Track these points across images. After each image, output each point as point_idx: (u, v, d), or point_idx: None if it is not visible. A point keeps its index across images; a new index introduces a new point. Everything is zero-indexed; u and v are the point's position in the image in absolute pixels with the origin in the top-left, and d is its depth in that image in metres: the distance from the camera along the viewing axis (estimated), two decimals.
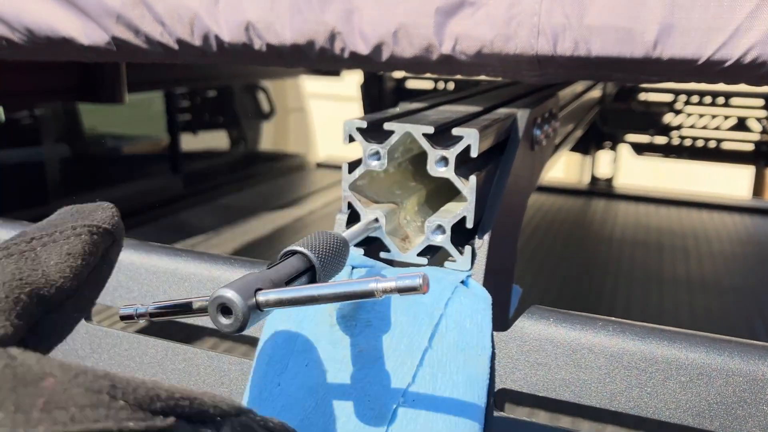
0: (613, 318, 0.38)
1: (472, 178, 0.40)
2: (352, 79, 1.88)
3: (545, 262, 1.29)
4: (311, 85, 2.13)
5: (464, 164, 0.42)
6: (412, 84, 1.84)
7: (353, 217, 0.44)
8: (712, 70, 0.42)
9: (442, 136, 0.41)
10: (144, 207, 1.45)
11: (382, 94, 1.80)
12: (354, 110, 2.03)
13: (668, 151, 1.66)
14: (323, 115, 2.15)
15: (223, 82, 1.72)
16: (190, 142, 1.64)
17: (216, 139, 1.80)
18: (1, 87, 1.03)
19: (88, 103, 1.24)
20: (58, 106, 1.27)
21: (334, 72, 1.82)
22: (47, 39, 0.58)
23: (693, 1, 0.41)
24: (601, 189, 1.75)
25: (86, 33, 0.57)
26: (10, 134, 1.19)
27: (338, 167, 0.44)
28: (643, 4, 0.42)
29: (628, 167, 2.03)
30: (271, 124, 1.94)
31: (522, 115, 0.49)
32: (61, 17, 0.57)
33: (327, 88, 2.54)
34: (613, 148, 1.76)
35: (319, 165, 2.02)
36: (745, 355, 0.34)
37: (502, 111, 0.50)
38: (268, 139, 1.96)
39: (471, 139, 0.39)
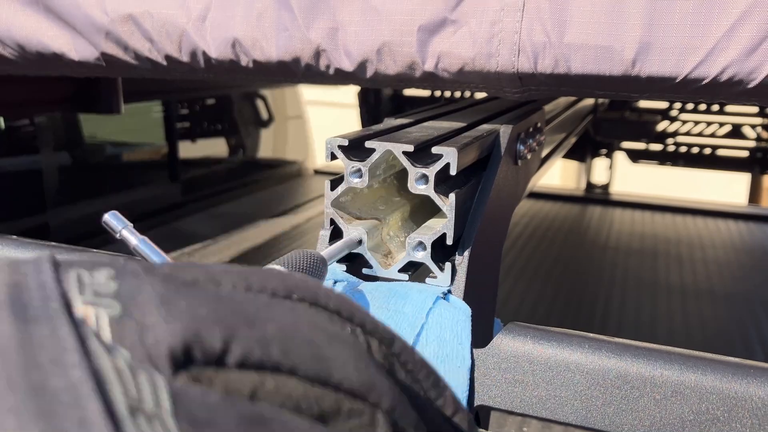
0: (590, 335, 0.38)
1: (452, 196, 0.40)
2: (350, 87, 1.89)
3: (539, 269, 1.29)
4: (309, 92, 2.14)
5: (445, 181, 0.42)
6: (410, 92, 1.85)
7: (337, 233, 0.44)
8: (689, 87, 0.43)
9: (422, 153, 0.42)
10: (142, 215, 1.46)
11: (379, 102, 1.81)
12: (352, 117, 2.03)
13: (664, 158, 1.66)
14: (321, 123, 2.15)
15: (222, 90, 1.73)
16: (188, 149, 1.65)
17: (214, 147, 1.80)
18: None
19: (85, 113, 1.25)
20: (57, 115, 1.27)
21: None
22: (38, 54, 0.59)
23: (670, 21, 0.42)
24: (596, 196, 1.76)
25: (76, 49, 0.57)
26: (9, 143, 1.20)
27: (336, 174, 0.45)
28: (622, 23, 0.43)
29: (624, 174, 2.04)
30: (270, 131, 1.95)
31: (505, 131, 0.50)
32: (52, 33, 0.57)
33: (325, 95, 2.55)
34: (608, 155, 1.76)
35: (317, 172, 2.03)
36: (719, 373, 0.35)
37: (485, 127, 0.50)
38: (266, 147, 1.96)
39: (450, 157, 0.40)
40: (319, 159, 2.10)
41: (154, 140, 1.59)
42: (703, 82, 0.42)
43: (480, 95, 0.78)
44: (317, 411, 0.17)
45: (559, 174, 2.89)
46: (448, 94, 1.78)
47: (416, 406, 0.21)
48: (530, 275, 1.26)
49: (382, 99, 1.82)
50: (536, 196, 1.75)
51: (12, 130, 1.21)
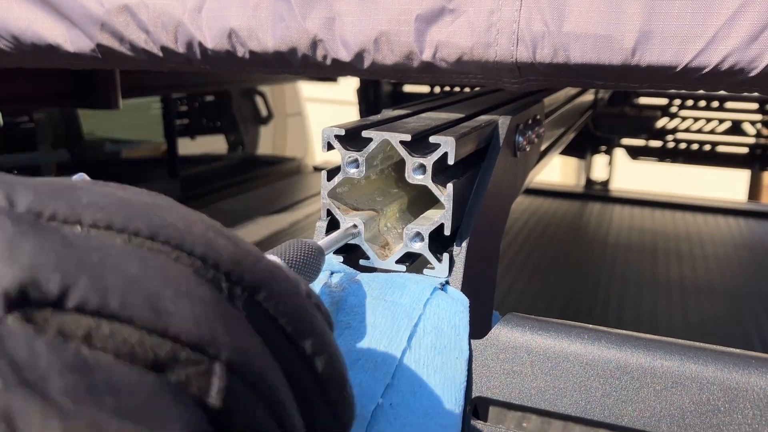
0: (589, 325, 0.38)
1: (449, 186, 0.40)
2: (349, 84, 1.88)
3: (539, 265, 1.29)
4: (308, 89, 2.13)
5: (443, 171, 0.42)
6: (409, 88, 1.84)
7: (334, 224, 0.44)
8: (690, 76, 0.43)
9: (420, 143, 0.41)
10: None
11: (378, 99, 1.80)
12: (351, 114, 2.03)
13: (663, 154, 1.66)
14: (320, 119, 2.15)
15: (221, 86, 1.72)
16: (187, 146, 1.65)
17: (214, 144, 1.80)
18: None
19: (83, 108, 1.24)
20: (55, 111, 1.27)
21: (331, 77, 1.82)
22: (33, 46, 0.59)
23: (670, 9, 0.41)
24: (596, 192, 1.75)
25: (71, 40, 0.57)
26: (8, 139, 1.20)
27: None
28: (622, 12, 0.42)
29: (624, 170, 2.03)
30: (269, 128, 1.95)
31: (503, 122, 0.49)
32: (47, 25, 0.57)
33: (324, 92, 2.55)
34: (608, 151, 1.76)
35: (317, 168, 2.02)
36: (719, 364, 0.34)
37: (484, 118, 0.50)
38: (265, 143, 1.96)
39: (448, 146, 0.39)
40: (318, 156, 2.09)
41: (153, 137, 1.59)
42: (704, 71, 0.42)
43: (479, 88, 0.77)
44: (152, 358, 0.17)
45: (559, 171, 2.89)
46: (448, 90, 1.77)
47: (281, 359, 0.21)
48: (530, 271, 1.26)
49: (382, 95, 1.81)
50: (536, 192, 1.75)
51: (10, 126, 1.21)
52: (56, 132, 1.29)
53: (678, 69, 0.42)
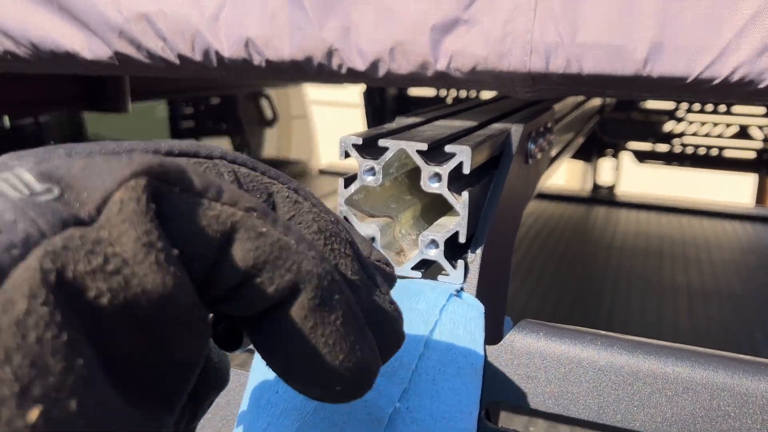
0: (602, 332, 0.38)
1: (465, 194, 0.41)
2: (355, 87, 1.89)
3: (545, 269, 1.29)
4: (314, 92, 2.14)
5: (458, 180, 0.43)
6: (414, 92, 1.85)
7: None
8: (701, 87, 0.43)
9: (435, 152, 0.42)
10: None
11: (384, 102, 1.81)
12: (356, 117, 2.04)
13: (670, 158, 1.66)
14: (326, 122, 2.16)
15: (227, 89, 1.73)
16: None
17: (219, 146, 1.80)
18: (7, 97, 1.04)
19: (93, 111, 1.25)
20: (63, 114, 1.28)
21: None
22: (51, 53, 0.60)
23: (682, 21, 0.42)
24: (602, 196, 1.76)
25: (90, 48, 0.58)
26: (13, 141, 1.21)
27: (341, 174, 0.45)
28: (635, 23, 0.43)
29: (630, 174, 2.03)
30: (274, 130, 1.95)
31: (516, 130, 0.50)
32: (65, 32, 0.58)
33: (330, 95, 2.56)
34: (614, 155, 1.77)
35: (322, 171, 2.03)
36: (730, 370, 0.35)
37: (497, 126, 0.51)
38: (271, 146, 1.96)
39: (463, 156, 0.40)
40: (323, 158, 2.10)
41: (158, 139, 1.60)
42: (714, 83, 0.43)
43: (490, 94, 0.78)
44: None
45: (564, 174, 2.89)
46: (453, 93, 1.78)
47: None
48: (536, 275, 1.26)
49: (387, 99, 1.82)
50: (542, 196, 1.75)
51: (17, 129, 1.22)
52: (62, 134, 1.30)
53: (689, 80, 0.43)
